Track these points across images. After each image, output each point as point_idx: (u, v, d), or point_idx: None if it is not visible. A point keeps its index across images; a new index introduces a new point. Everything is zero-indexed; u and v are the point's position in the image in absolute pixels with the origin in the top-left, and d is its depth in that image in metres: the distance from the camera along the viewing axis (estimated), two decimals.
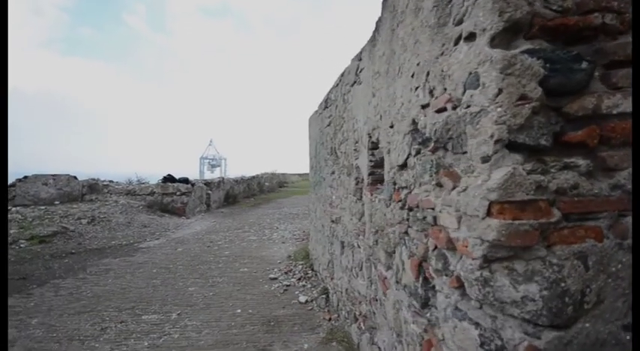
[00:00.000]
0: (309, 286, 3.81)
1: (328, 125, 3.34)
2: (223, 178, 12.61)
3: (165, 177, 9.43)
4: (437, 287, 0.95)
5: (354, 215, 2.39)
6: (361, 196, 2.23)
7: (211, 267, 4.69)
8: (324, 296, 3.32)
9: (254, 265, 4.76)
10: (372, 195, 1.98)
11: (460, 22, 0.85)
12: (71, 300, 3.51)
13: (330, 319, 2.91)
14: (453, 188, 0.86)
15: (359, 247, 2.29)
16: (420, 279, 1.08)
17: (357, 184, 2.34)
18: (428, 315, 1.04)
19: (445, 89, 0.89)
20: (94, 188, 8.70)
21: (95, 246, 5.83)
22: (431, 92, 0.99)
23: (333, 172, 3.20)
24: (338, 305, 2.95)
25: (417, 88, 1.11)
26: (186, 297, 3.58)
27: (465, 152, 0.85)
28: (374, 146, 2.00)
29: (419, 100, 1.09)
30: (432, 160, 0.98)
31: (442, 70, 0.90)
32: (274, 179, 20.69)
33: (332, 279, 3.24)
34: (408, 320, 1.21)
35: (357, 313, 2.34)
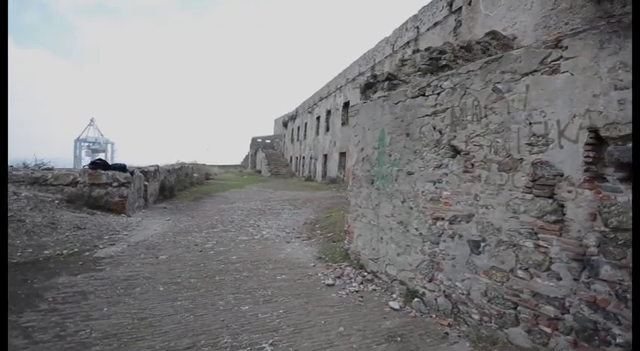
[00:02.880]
0: (380, 289, 3.47)
1: (430, 115, 3.08)
2: (159, 167, 10.40)
3: (94, 162, 7.12)
4: None
5: (523, 213, 2.26)
6: (551, 194, 2.12)
7: (236, 277, 3.77)
8: (417, 300, 3.08)
9: (286, 270, 4.06)
10: (599, 193, 1.89)
11: None
12: (70, 347, 2.25)
13: (449, 325, 2.71)
14: None
15: (538, 246, 2.18)
16: None
17: (533, 180, 2.21)
18: None
19: None
20: None
21: (22, 258, 3.93)
22: None
23: (439, 166, 2.97)
24: (454, 308, 2.77)
25: None
26: (252, 319, 2.76)
27: None
28: (597, 142, 1.91)
29: None
30: None
31: None
32: (202, 170, 18.44)
33: (431, 281, 3.03)
34: None
35: (529, 316, 2.23)
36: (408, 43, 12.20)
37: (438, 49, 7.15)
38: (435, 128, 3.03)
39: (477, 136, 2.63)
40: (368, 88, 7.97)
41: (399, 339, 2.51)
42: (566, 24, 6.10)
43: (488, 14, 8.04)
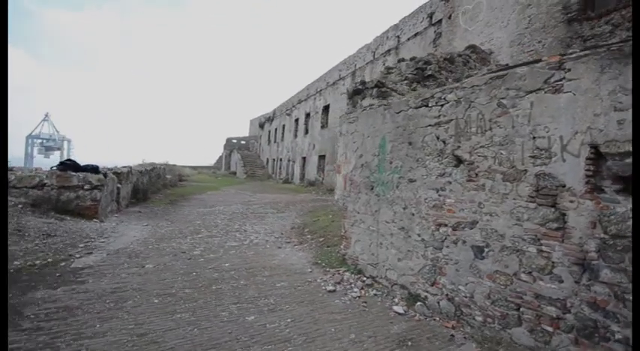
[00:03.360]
0: (381, 294, 3.53)
1: (433, 125, 3.20)
2: (131, 168, 9.79)
3: (64, 162, 6.53)
4: None
5: (527, 220, 2.43)
6: (553, 203, 2.29)
7: (233, 285, 3.66)
8: (419, 304, 3.17)
9: (284, 277, 4.00)
10: (599, 204, 2.07)
11: None
12: None
13: (453, 328, 2.82)
14: None
15: (541, 251, 2.35)
16: None
17: (537, 190, 2.38)
18: None
19: None
20: None
21: None
22: None
23: (442, 175, 3.10)
24: (457, 311, 2.90)
25: None
26: (261, 330, 2.69)
27: None
28: (597, 157, 2.11)
29: None
30: None
31: None
32: (175, 171, 17.67)
33: (433, 284, 3.14)
34: None
35: (531, 316, 2.38)
36: (389, 50, 12.57)
37: (424, 60, 7.44)
38: (438, 138, 3.16)
39: (481, 147, 2.77)
40: (356, 94, 8.08)
41: (409, 343, 2.57)
42: (539, 42, 6.63)
43: (467, 29, 8.52)
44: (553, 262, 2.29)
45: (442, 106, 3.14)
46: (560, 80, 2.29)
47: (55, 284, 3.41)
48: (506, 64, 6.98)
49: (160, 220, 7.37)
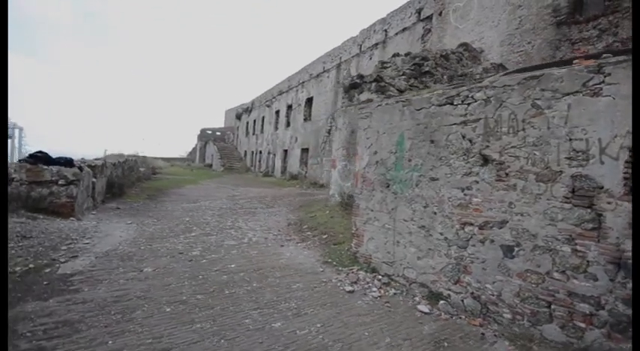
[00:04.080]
0: (401, 293, 3.51)
1: (459, 124, 3.18)
2: (105, 161, 8.98)
3: (34, 154, 5.80)
4: None
5: (561, 221, 2.48)
6: (590, 204, 2.35)
7: (247, 289, 3.46)
8: (443, 302, 3.19)
9: (297, 278, 3.86)
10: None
11: None
12: None
13: (481, 325, 2.86)
14: None
15: (576, 251, 2.41)
16: None
17: (572, 191, 2.44)
18: None
19: None
20: None
21: None
22: None
23: (468, 174, 3.09)
24: (483, 308, 2.94)
25: None
26: (293, 338, 2.55)
27: None
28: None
29: None
30: None
31: None
32: (148, 163, 16.61)
33: (457, 283, 3.16)
34: None
35: (563, 313, 2.46)
36: (376, 44, 12.53)
37: (420, 56, 7.44)
38: (464, 137, 3.14)
39: (512, 147, 2.79)
40: (352, 88, 7.94)
41: (446, 344, 2.57)
42: (528, 43, 6.88)
43: (457, 26, 8.66)
44: (588, 261, 2.36)
45: (469, 104, 3.12)
46: (600, 84, 2.33)
47: (45, 294, 3.02)
48: (500, 64, 7.19)
49: (144, 218, 6.86)
